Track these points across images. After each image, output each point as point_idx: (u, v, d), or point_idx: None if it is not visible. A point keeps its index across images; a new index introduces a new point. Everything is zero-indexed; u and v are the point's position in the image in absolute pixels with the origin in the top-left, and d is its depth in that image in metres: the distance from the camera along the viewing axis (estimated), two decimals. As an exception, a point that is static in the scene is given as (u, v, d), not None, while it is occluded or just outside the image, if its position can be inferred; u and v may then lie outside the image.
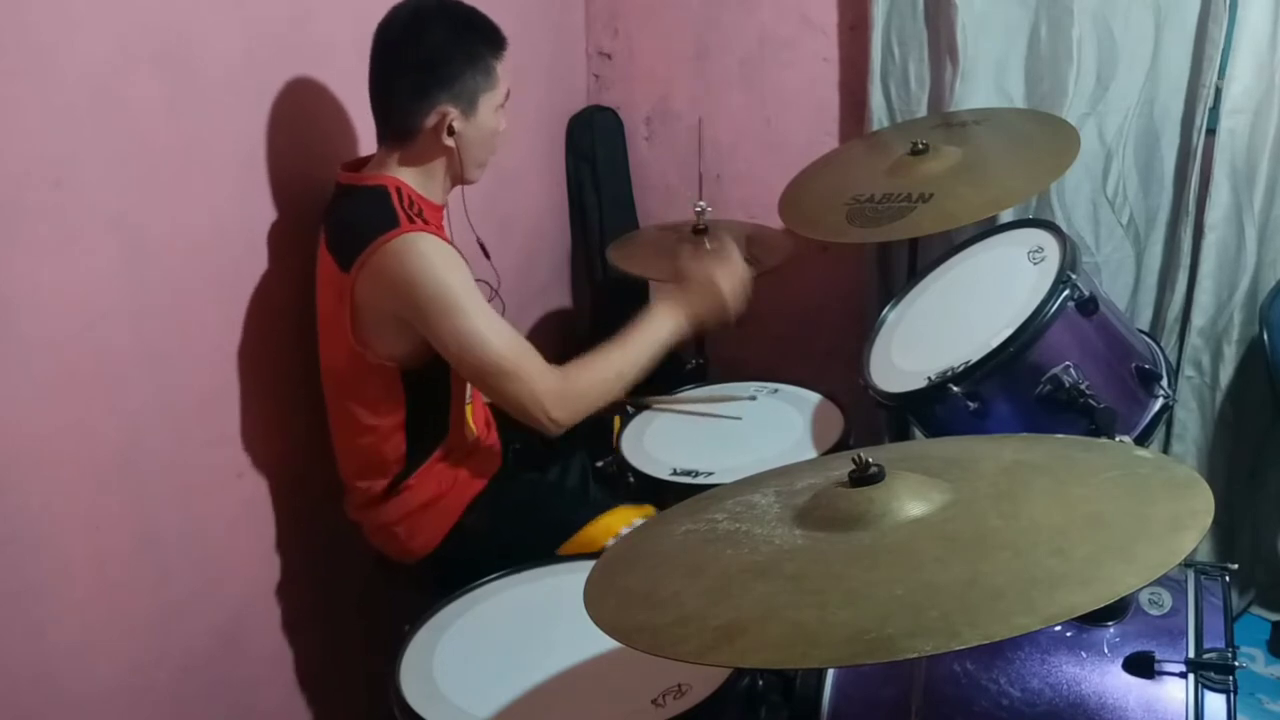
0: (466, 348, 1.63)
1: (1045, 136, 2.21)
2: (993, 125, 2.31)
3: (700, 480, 1.84)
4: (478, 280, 1.92)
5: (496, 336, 1.64)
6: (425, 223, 1.65)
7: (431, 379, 1.74)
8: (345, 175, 1.74)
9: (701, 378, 2.32)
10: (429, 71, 1.66)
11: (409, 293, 1.61)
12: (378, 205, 1.65)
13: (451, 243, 1.71)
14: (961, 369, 1.70)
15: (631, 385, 1.75)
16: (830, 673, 1.41)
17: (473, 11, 1.72)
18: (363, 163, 1.77)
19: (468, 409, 1.85)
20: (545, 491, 1.91)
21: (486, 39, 1.70)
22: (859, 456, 1.09)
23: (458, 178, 1.78)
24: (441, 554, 1.81)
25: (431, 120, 1.68)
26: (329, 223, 1.73)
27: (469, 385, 1.81)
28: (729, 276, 1.83)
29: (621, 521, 1.75)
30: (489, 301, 1.95)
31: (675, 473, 1.87)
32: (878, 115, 2.53)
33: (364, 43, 1.72)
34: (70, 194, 1.41)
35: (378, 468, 1.78)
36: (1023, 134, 2.29)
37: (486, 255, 1.89)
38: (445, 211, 1.82)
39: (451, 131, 1.69)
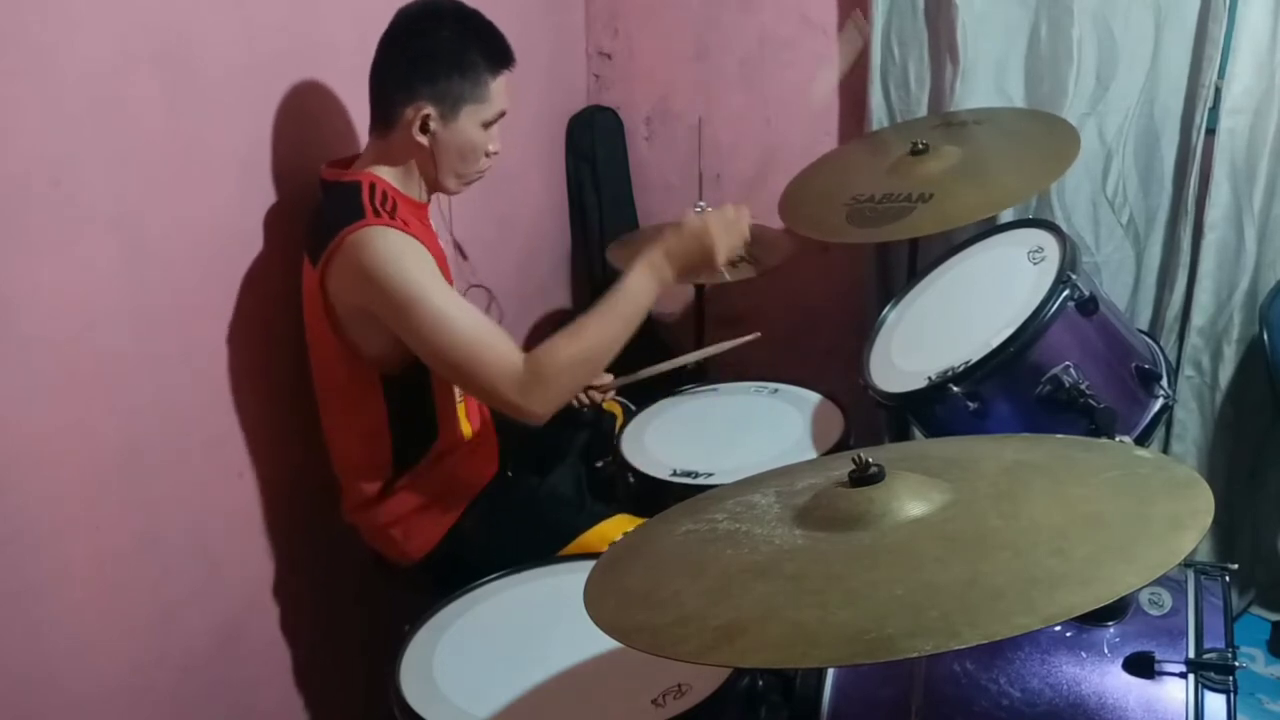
0: (432, 332, 1.58)
1: (1045, 136, 2.22)
2: (992, 125, 2.31)
3: (700, 481, 1.85)
4: (476, 285, 1.93)
5: (461, 319, 1.59)
6: (392, 217, 1.63)
7: (411, 383, 1.73)
8: (328, 171, 1.73)
9: (702, 377, 2.32)
10: (418, 65, 1.65)
11: (373, 285, 1.60)
12: (348, 200, 1.64)
13: (425, 240, 1.69)
14: (962, 369, 1.70)
15: (611, 359, 1.65)
16: (830, 673, 1.41)
17: (486, 25, 1.70)
18: (351, 160, 1.77)
19: (460, 409, 1.84)
20: (542, 498, 1.90)
21: (488, 53, 1.69)
22: (859, 456, 1.09)
23: (433, 182, 1.75)
24: (437, 557, 1.81)
25: (409, 114, 1.66)
26: (308, 220, 1.73)
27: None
28: (723, 223, 1.72)
29: (618, 530, 1.75)
30: (488, 308, 1.96)
31: (675, 473, 1.87)
32: (877, 115, 2.53)
33: (364, 43, 1.72)
34: (70, 193, 1.41)
35: (368, 469, 1.78)
36: (1022, 134, 2.29)
37: (464, 256, 1.88)
38: (430, 209, 1.81)
39: (426, 129, 1.67)
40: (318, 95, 1.86)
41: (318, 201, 1.74)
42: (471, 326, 1.60)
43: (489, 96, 1.69)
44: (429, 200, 1.80)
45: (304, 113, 1.83)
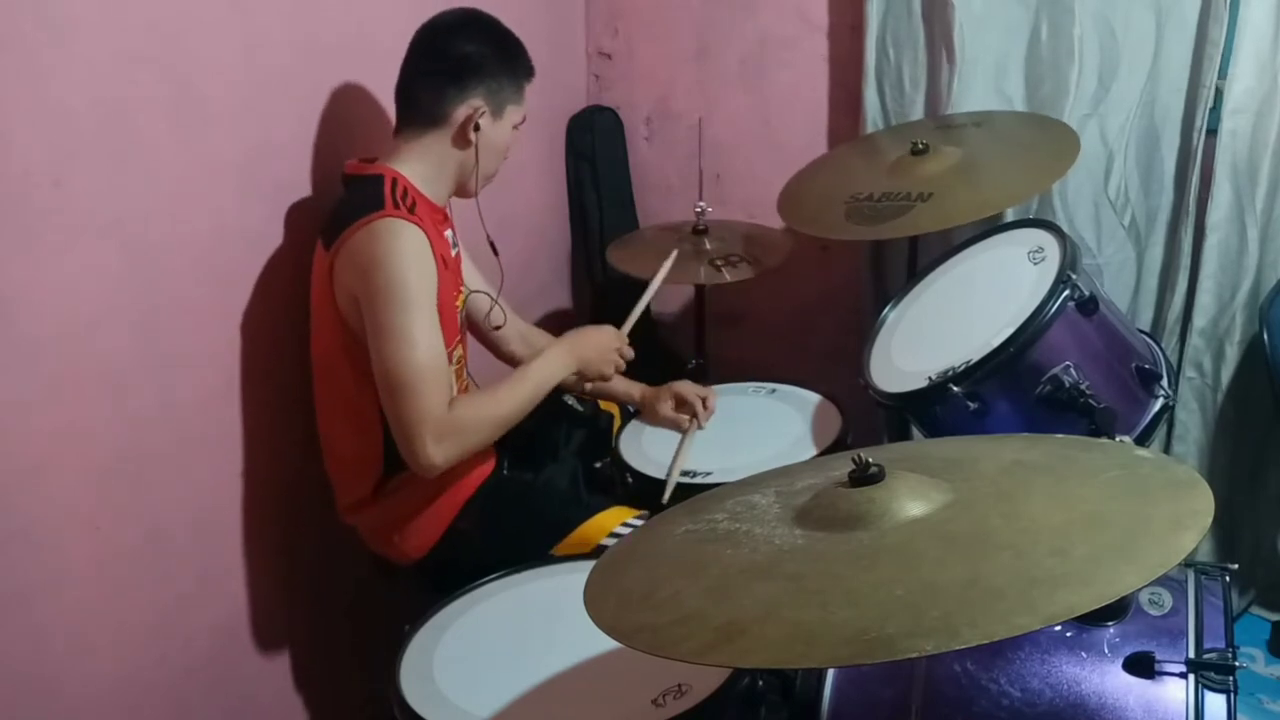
0: (392, 343, 1.61)
1: (1044, 139, 2.21)
2: (990, 128, 2.30)
3: (700, 480, 1.85)
4: (477, 292, 1.94)
5: (424, 348, 1.62)
6: (411, 213, 1.66)
7: None
8: (351, 165, 1.76)
9: (701, 377, 2.32)
10: (472, 65, 1.72)
11: (369, 273, 1.62)
12: (369, 191, 1.68)
13: (436, 243, 1.71)
14: (962, 369, 1.70)
15: (515, 424, 1.74)
16: (830, 673, 1.41)
17: (517, 37, 1.79)
18: (373, 160, 1.77)
19: None
20: (539, 493, 1.90)
21: (524, 61, 1.80)
22: (859, 456, 1.09)
23: (463, 183, 1.80)
24: (436, 557, 1.81)
25: (462, 112, 1.72)
26: (327, 210, 1.75)
27: (453, 384, 1.81)
28: (594, 344, 1.91)
29: (616, 520, 1.76)
30: (488, 310, 1.97)
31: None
32: (872, 117, 2.53)
33: (364, 44, 1.73)
34: (71, 194, 1.41)
35: (359, 466, 1.78)
36: (1022, 137, 2.29)
37: (495, 253, 1.90)
38: (449, 212, 1.83)
39: (477, 128, 1.73)
40: (319, 96, 1.86)
41: (338, 194, 1.76)
42: (427, 360, 1.62)
43: (523, 101, 1.80)
44: (447, 204, 1.82)
45: (304, 113, 1.83)
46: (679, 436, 2.01)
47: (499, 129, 1.77)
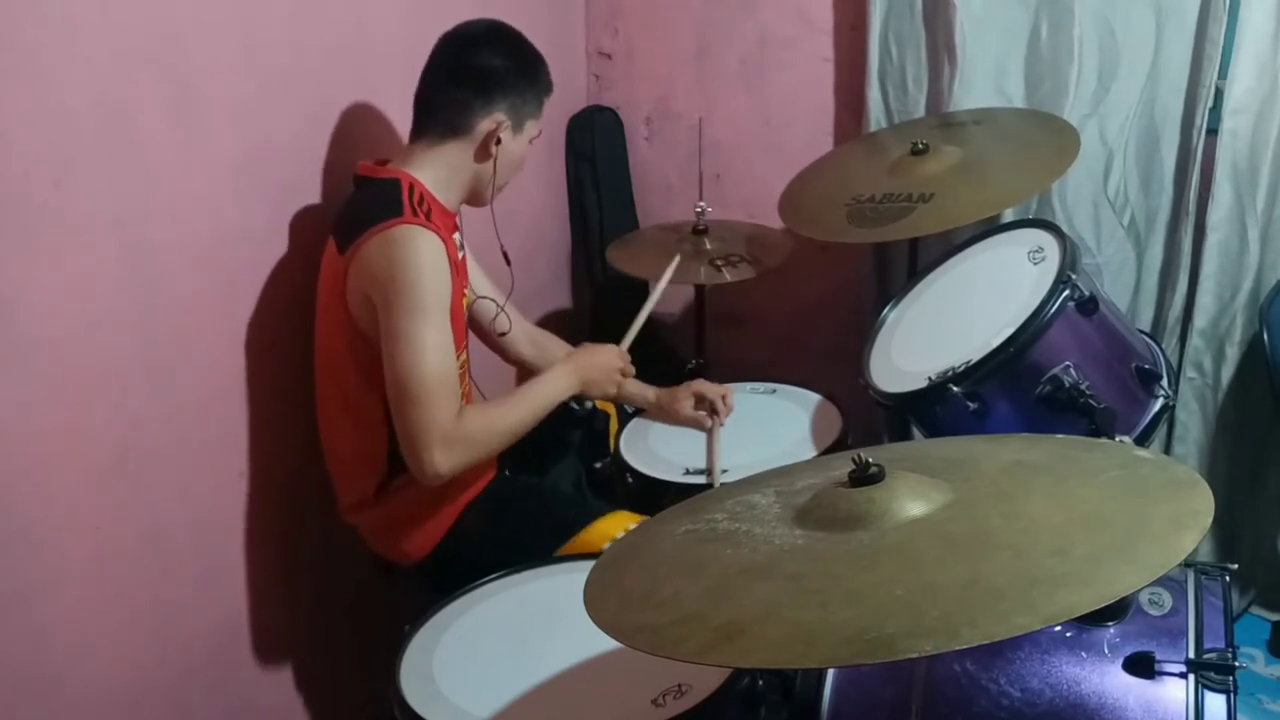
0: (405, 352, 1.61)
1: (1045, 136, 2.21)
2: (991, 126, 2.30)
3: (704, 480, 1.85)
4: (483, 298, 1.94)
5: (436, 357, 1.62)
6: (428, 219, 1.66)
7: None
8: (364, 166, 1.76)
9: (702, 378, 2.32)
10: (498, 80, 1.73)
11: (385, 279, 1.62)
12: (387, 196, 1.68)
13: (453, 247, 1.71)
14: (962, 369, 1.70)
15: (519, 438, 1.76)
16: (830, 673, 1.41)
17: (539, 51, 1.80)
18: (385, 162, 1.77)
19: None
20: (542, 496, 1.91)
21: (546, 78, 1.80)
22: (859, 456, 1.09)
23: (477, 192, 1.80)
24: (438, 557, 1.82)
25: (485, 126, 1.72)
26: (340, 211, 1.75)
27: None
28: (595, 364, 1.92)
29: (618, 526, 1.76)
30: (494, 315, 1.97)
31: (689, 471, 1.89)
32: (875, 116, 2.53)
33: (364, 44, 1.72)
34: (70, 194, 1.41)
35: (362, 465, 1.78)
36: (1022, 134, 2.29)
37: (508, 262, 1.91)
38: (459, 218, 1.84)
39: (499, 141, 1.73)
40: (319, 96, 1.86)
41: (349, 194, 1.77)
42: (439, 369, 1.63)
43: (542, 115, 1.81)
44: (458, 210, 1.82)
45: (305, 114, 1.83)
46: (688, 436, 2.02)
47: (516, 143, 1.78)
